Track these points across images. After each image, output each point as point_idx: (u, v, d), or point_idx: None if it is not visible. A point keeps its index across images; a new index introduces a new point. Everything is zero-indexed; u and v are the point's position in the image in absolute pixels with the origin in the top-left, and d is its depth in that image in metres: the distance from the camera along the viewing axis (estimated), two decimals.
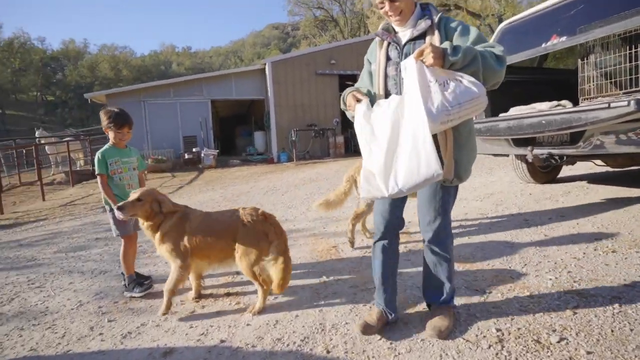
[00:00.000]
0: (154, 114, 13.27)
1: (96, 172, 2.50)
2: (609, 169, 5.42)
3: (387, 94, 1.57)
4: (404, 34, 1.57)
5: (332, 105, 14.22)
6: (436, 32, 1.48)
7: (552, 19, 3.59)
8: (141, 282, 2.49)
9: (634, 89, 3.19)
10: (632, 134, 2.78)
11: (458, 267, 2.43)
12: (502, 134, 3.41)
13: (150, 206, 2.10)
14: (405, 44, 1.54)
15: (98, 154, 2.50)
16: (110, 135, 2.52)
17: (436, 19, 1.50)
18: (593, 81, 3.48)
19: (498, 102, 4.21)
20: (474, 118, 4.18)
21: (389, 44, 1.60)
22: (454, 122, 1.35)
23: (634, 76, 3.16)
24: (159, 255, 3.16)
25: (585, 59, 3.53)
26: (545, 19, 3.66)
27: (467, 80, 1.34)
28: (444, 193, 1.58)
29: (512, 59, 3.81)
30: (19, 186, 9.76)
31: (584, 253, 2.46)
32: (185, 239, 2.10)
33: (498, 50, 1.40)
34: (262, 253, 2.06)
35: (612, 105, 2.54)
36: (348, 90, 1.62)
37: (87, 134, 17.17)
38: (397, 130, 1.39)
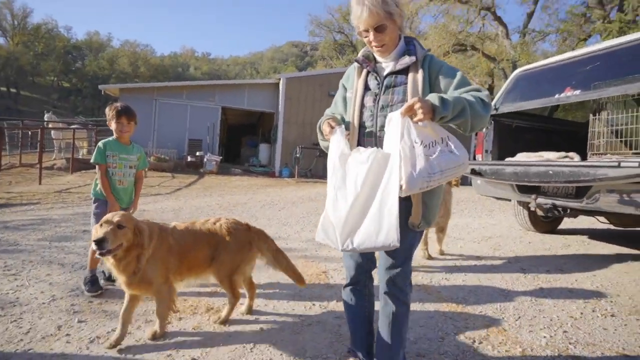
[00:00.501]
0: (164, 113, 13.41)
1: (92, 160, 2.49)
2: (612, 226, 5.35)
3: (361, 125, 1.48)
4: (386, 64, 1.48)
5: None
6: (420, 70, 1.40)
7: (567, 71, 3.62)
8: (95, 282, 2.39)
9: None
10: (638, 196, 2.73)
11: (449, 309, 2.33)
12: (507, 179, 3.37)
13: (132, 234, 1.75)
14: (386, 76, 1.45)
15: (99, 144, 2.50)
16: (112, 127, 2.52)
17: (420, 56, 1.42)
18: (603, 137, 3.47)
19: (506, 145, 4.21)
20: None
21: (368, 72, 1.51)
22: (432, 187, 1.28)
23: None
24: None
25: (597, 114, 3.53)
26: (560, 70, 3.69)
27: (453, 144, 1.29)
28: (411, 238, 1.45)
29: (524, 106, 3.82)
30: (18, 167, 9.72)
31: (582, 313, 2.36)
32: (170, 258, 1.91)
33: (484, 95, 1.34)
34: (244, 262, 2.04)
35: (622, 164, 2.50)
36: (323, 118, 1.51)
37: (95, 124, 17.27)
38: (367, 187, 1.29)
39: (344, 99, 1.60)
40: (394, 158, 1.25)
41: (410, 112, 1.23)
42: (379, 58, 1.50)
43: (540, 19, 19.16)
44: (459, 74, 1.40)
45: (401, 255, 1.44)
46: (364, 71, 1.52)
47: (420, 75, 1.39)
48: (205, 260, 2.03)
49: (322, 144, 1.55)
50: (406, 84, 1.41)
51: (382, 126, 1.37)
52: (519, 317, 2.26)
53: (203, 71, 62.07)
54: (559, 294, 2.68)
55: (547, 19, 17.29)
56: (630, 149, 3.35)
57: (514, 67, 15.79)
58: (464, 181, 15.53)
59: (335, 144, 1.39)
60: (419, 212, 1.39)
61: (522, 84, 4.06)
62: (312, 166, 13.79)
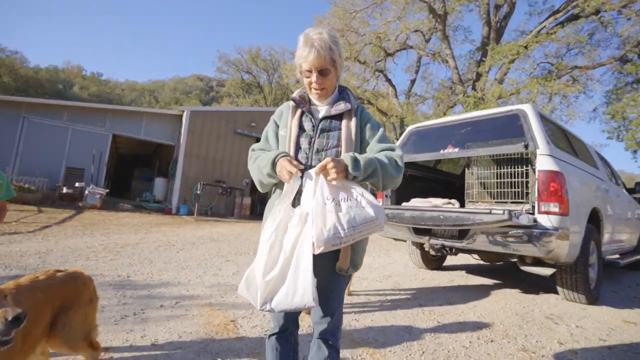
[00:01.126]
0: (34, 134, 11.24)
1: None
2: (481, 262, 6.34)
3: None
4: (321, 108, 1.52)
5: (244, 165, 14.01)
6: (353, 118, 1.48)
7: (449, 132, 4.36)
8: None
9: (502, 200, 3.94)
10: (499, 237, 3.35)
11: (362, 352, 2.37)
12: (405, 222, 3.75)
13: None
14: (322, 120, 1.48)
15: None
16: None
17: (355, 105, 1.50)
18: (475, 188, 4.21)
19: (403, 192, 4.73)
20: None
21: (302, 113, 1.52)
22: (347, 244, 1.29)
23: (500, 190, 3.93)
24: None
25: (469, 169, 4.30)
26: (444, 130, 4.43)
27: (366, 200, 1.30)
28: (342, 282, 1.49)
29: (416, 157, 4.41)
30: None
31: (470, 342, 2.67)
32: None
33: (397, 156, 1.44)
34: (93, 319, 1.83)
35: (492, 211, 3.05)
36: (278, 153, 1.42)
37: None
38: (288, 246, 1.29)
39: (277, 135, 1.56)
40: (308, 218, 1.28)
41: (324, 171, 1.29)
42: (314, 100, 1.53)
43: (420, 86, 23.03)
44: (381, 130, 1.53)
45: (334, 302, 1.45)
46: (299, 111, 1.52)
47: (353, 123, 1.47)
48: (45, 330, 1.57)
49: (264, 179, 1.47)
50: (340, 129, 1.46)
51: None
52: (423, 353, 2.44)
53: (91, 92, 55.13)
54: (451, 326, 3.00)
55: (425, 87, 20.97)
56: (492, 198, 4.14)
57: (402, 123, 18.35)
58: None
59: (290, 195, 1.36)
60: (346, 257, 1.42)
61: (414, 138, 4.72)
62: (213, 204, 13.10)
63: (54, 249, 5.00)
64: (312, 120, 1.50)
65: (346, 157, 1.33)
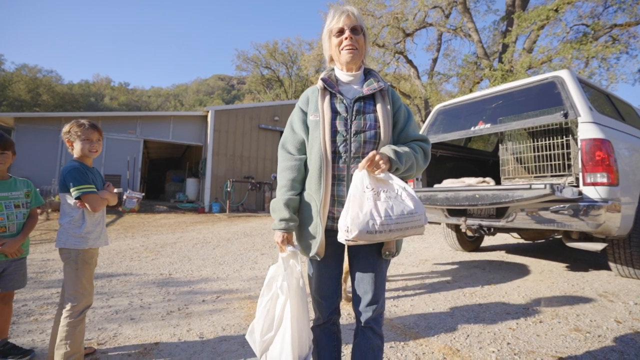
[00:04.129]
0: None
1: None
2: (521, 240, 6.08)
3: (335, 152, 1.39)
4: (349, 87, 1.46)
5: (271, 160, 14.31)
6: (387, 98, 1.44)
7: (478, 107, 4.16)
8: (17, 355, 1.93)
9: (541, 175, 3.73)
10: (542, 213, 3.17)
11: (405, 336, 2.34)
12: (439, 204, 3.64)
13: None
14: (356, 100, 1.41)
15: None
16: None
17: (386, 85, 1.46)
18: (510, 164, 4.01)
19: (433, 173, 4.59)
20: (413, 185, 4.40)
21: (332, 95, 1.44)
22: (382, 236, 1.23)
23: (538, 164, 3.72)
24: (49, 319, 2.57)
25: (503, 144, 4.09)
26: (473, 107, 4.23)
27: (406, 193, 1.29)
28: (385, 268, 1.46)
29: (446, 137, 4.25)
30: None
31: (517, 324, 2.56)
32: None
33: (428, 148, 1.46)
34: None
35: (532, 187, 2.89)
36: (279, 226, 1.43)
37: None
38: (280, 313, 1.42)
39: (304, 123, 1.47)
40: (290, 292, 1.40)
41: (372, 165, 1.27)
42: (342, 77, 1.48)
43: (443, 64, 22.17)
44: (412, 118, 1.50)
45: (379, 289, 1.42)
46: (328, 94, 1.44)
47: (389, 105, 1.43)
48: None
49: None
50: (375, 111, 1.42)
51: (356, 151, 1.38)
52: (468, 336, 2.37)
53: (120, 102, 57.52)
54: (495, 307, 2.90)
55: (448, 64, 20.12)
56: (530, 173, 3.93)
57: (426, 104, 17.79)
58: None
59: (285, 269, 1.42)
60: (393, 240, 1.38)
61: (442, 117, 4.54)
62: (244, 200, 13.37)
63: (101, 251, 5.30)
64: (345, 101, 1.42)
65: (387, 150, 1.34)
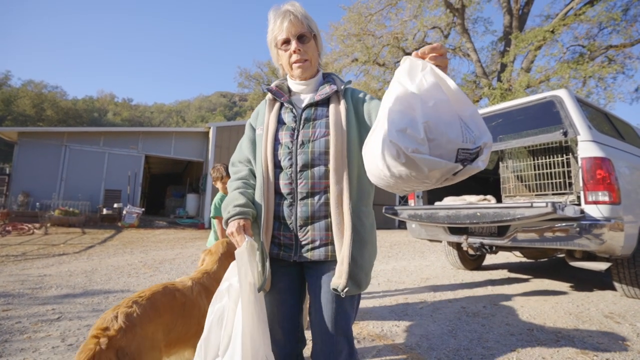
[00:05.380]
0: (75, 161, 12.01)
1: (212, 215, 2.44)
2: (524, 259, 6.01)
3: (276, 165, 1.22)
4: (304, 96, 1.30)
5: None
6: (342, 100, 1.23)
7: None
8: None
9: (542, 192, 3.72)
10: (544, 231, 3.15)
11: (408, 358, 2.28)
12: (440, 222, 3.62)
13: None
14: (305, 108, 1.25)
15: (216, 201, 2.96)
16: (219, 186, 3.03)
17: (341, 86, 1.26)
18: (511, 182, 4.01)
19: (434, 191, 4.59)
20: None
21: (281, 105, 1.30)
22: (414, 163, 0.79)
23: (539, 182, 3.72)
24: (42, 337, 2.52)
25: (503, 162, 4.11)
26: None
27: (473, 123, 0.86)
28: (349, 306, 1.18)
29: None
30: None
31: (521, 345, 2.50)
32: None
33: None
34: None
35: (534, 205, 2.88)
36: (233, 211, 1.19)
37: None
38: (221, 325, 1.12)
39: (252, 141, 1.34)
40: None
41: (437, 55, 0.89)
42: (294, 87, 1.31)
43: None
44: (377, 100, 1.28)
45: (338, 334, 1.15)
46: (277, 104, 1.30)
47: (342, 106, 1.22)
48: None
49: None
50: (328, 116, 1.22)
51: (304, 165, 1.19)
52: (471, 358, 2.31)
53: (124, 117, 58.30)
54: (499, 328, 2.83)
55: None
56: (530, 191, 3.92)
57: None
58: (391, 225, 16.34)
59: (239, 268, 1.10)
60: (344, 270, 1.10)
61: None
62: None
63: (98, 267, 5.24)
64: (294, 110, 1.26)
65: None
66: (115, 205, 11.57)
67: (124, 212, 10.90)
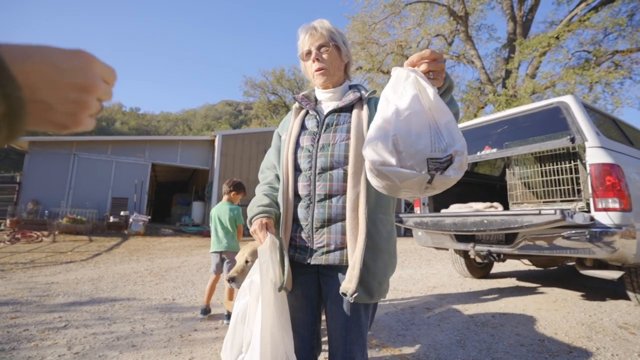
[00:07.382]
0: (83, 169, 12.14)
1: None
2: (533, 267, 5.92)
3: (296, 168, 1.25)
4: (328, 104, 1.33)
5: None
6: (365, 106, 1.24)
7: (484, 132, 4.18)
8: None
9: (550, 200, 3.68)
10: (553, 239, 3.10)
11: None
12: (447, 229, 3.58)
13: None
14: (327, 114, 1.28)
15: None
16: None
17: (366, 94, 1.29)
18: (518, 189, 3.96)
19: (441, 198, 4.56)
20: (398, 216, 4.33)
21: (306, 112, 1.35)
22: (388, 170, 0.81)
23: (547, 189, 3.67)
24: (49, 345, 2.52)
25: (509, 169, 4.07)
26: (479, 131, 4.24)
27: (446, 131, 0.85)
28: (364, 314, 1.17)
29: None
30: None
31: (532, 356, 2.44)
32: None
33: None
34: None
35: (542, 212, 2.84)
36: (257, 210, 1.25)
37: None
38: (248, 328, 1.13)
39: (277, 147, 1.39)
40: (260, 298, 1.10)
41: (425, 59, 0.89)
42: (320, 96, 1.36)
43: None
44: None
45: (353, 342, 1.15)
46: (302, 111, 1.36)
47: (365, 112, 1.22)
48: None
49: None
50: (350, 122, 1.24)
51: (323, 167, 1.20)
52: None
53: (131, 126, 59.10)
54: (509, 338, 2.78)
55: None
56: (538, 198, 3.87)
57: None
58: (397, 232, 16.24)
59: (260, 265, 1.13)
60: (354, 274, 1.08)
61: None
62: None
63: (105, 275, 5.26)
64: (317, 117, 1.30)
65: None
66: (122, 213, 11.65)
67: (131, 220, 10.96)
